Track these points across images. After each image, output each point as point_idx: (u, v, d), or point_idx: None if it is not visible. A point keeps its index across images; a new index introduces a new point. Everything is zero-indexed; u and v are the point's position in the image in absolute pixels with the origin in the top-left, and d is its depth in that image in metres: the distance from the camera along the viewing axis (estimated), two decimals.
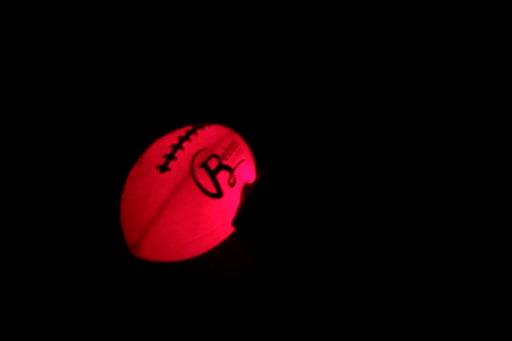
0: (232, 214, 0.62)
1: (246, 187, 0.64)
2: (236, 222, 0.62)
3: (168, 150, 0.57)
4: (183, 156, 0.57)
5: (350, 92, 0.88)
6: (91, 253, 0.67)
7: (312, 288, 0.63)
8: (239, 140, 0.66)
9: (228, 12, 0.92)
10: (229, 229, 0.64)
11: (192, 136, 0.60)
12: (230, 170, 0.61)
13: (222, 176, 0.59)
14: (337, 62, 0.91)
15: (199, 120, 0.65)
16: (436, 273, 0.63)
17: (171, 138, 0.59)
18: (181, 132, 0.60)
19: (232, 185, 0.61)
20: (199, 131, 0.61)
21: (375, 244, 0.67)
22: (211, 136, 0.61)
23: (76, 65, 0.91)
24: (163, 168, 0.56)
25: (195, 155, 0.58)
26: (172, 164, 0.56)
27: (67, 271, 0.66)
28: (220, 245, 0.65)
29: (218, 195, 0.59)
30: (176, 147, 0.58)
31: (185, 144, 0.58)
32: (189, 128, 0.62)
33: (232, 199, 0.61)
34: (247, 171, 0.65)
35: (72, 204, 0.74)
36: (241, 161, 0.64)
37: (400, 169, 0.76)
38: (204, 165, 0.58)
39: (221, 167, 0.60)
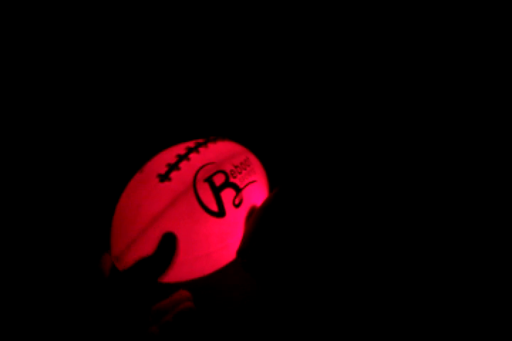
0: (233, 237, 0.56)
1: (253, 212, 0.59)
2: (241, 253, 0.56)
3: (173, 160, 0.54)
4: (187, 167, 0.53)
5: (369, 113, 0.83)
6: (89, 262, 0.64)
7: (325, 324, 0.57)
8: (253, 159, 0.62)
9: (242, 22, 0.90)
10: (230, 255, 0.58)
11: (201, 149, 0.56)
12: (238, 189, 0.56)
13: (227, 194, 0.55)
14: (357, 78, 0.86)
15: (213, 135, 0.62)
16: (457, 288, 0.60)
17: (179, 149, 0.56)
18: (191, 144, 0.57)
19: (237, 206, 0.56)
20: (210, 145, 0.57)
21: (393, 281, 0.59)
22: (222, 151, 0.58)
23: (83, 73, 0.88)
24: (164, 178, 0.52)
25: (200, 168, 0.54)
26: (174, 174, 0.52)
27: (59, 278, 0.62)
28: (221, 273, 0.59)
29: (220, 214, 0.54)
30: (182, 157, 0.54)
31: (192, 156, 0.55)
32: (200, 140, 0.58)
33: (235, 221, 0.56)
34: (257, 193, 0.60)
35: (77, 212, 0.72)
36: (251, 182, 0.59)
37: (420, 195, 0.70)
38: (208, 180, 0.53)
39: (227, 184, 0.55)
